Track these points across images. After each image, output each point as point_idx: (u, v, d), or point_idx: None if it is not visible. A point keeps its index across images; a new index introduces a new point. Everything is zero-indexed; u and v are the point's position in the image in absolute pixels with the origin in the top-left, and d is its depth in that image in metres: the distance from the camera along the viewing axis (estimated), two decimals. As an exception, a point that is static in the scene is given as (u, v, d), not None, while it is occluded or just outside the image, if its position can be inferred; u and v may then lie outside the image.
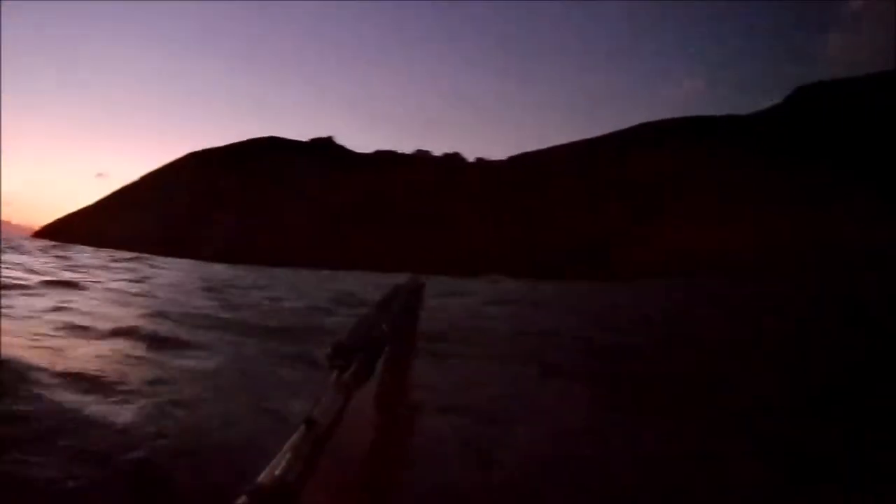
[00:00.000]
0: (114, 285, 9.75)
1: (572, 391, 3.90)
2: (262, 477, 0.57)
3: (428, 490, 2.12)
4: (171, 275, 15.28)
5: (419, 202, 39.72)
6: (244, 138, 56.44)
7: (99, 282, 9.98)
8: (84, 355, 3.86)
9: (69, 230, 44.80)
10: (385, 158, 52.81)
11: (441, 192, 40.24)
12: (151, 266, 18.26)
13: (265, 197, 44.09)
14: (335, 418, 0.71)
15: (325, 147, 54.31)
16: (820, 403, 3.83)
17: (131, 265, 17.28)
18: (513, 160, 45.94)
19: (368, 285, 14.61)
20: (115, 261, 19.12)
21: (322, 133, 64.70)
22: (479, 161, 48.94)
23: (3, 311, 5.04)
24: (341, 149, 55.22)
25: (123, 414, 2.66)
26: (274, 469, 0.59)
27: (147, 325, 5.27)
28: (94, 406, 2.78)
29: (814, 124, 30.98)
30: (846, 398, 3.97)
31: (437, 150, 54.86)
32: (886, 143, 25.82)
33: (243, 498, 0.53)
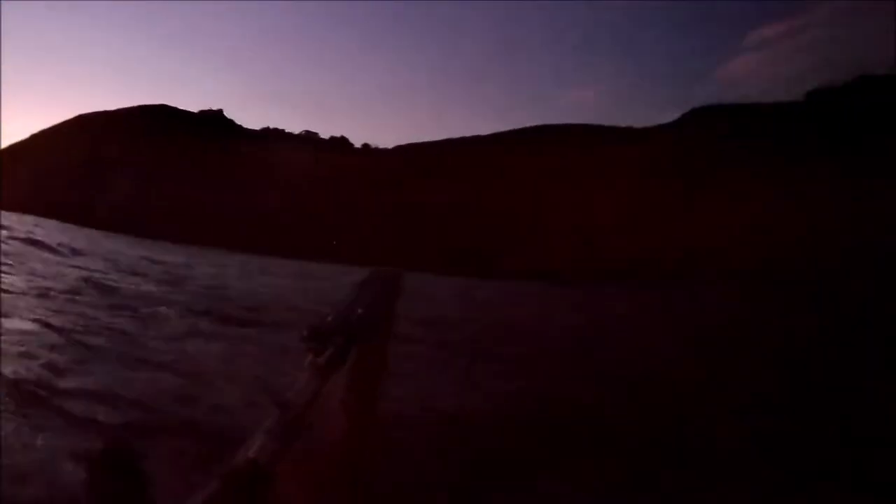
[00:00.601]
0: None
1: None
2: (237, 459, 0.56)
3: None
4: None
5: (305, 186, 39.65)
6: (133, 104, 56.52)
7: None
8: None
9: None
10: (273, 136, 53.00)
11: (327, 176, 40.23)
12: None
13: (154, 166, 43.89)
14: (309, 401, 0.70)
15: (214, 120, 54.41)
16: (817, 401, 3.81)
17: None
18: (399, 149, 46.11)
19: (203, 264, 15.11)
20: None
21: (212, 105, 65.09)
22: (365, 147, 49.21)
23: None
24: (231, 123, 55.49)
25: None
26: (247, 451, 0.58)
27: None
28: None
29: (709, 144, 31.27)
30: (842, 396, 3.95)
31: (325, 132, 54.98)
32: (774, 168, 26.52)
33: (217, 480, 0.53)
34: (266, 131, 54.02)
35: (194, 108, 55.74)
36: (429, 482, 2.49)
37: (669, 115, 47.45)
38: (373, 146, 49.46)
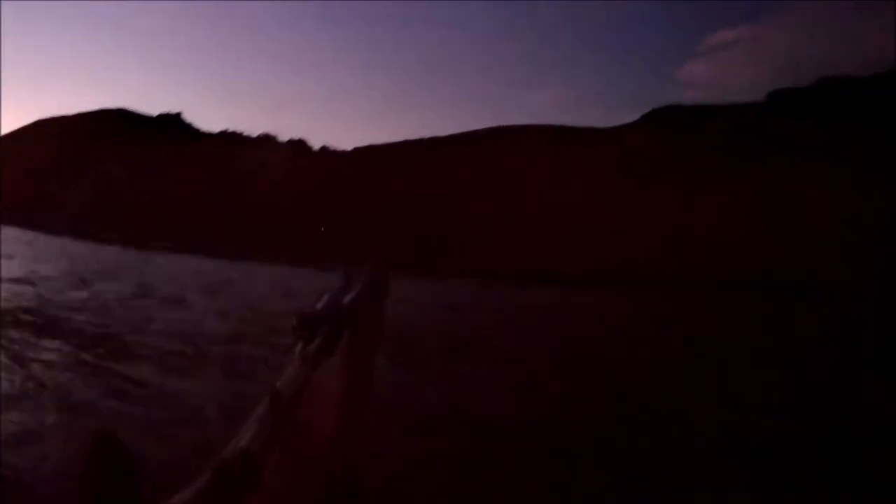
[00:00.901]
0: None
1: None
2: (227, 450, 0.56)
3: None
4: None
5: (265, 188, 39.99)
6: (92, 108, 56.83)
7: None
8: None
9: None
10: (232, 139, 53.49)
11: (287, 177, 40.52)
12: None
13: (113, 171, 44.21)
14: (299, 389, 0.70)
15: (173, 123, 54.95)
16: (817, 401, 3.80)
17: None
18: (357, 151, 46.30)
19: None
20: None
21: (170, 108, 65.11)
22: (324, 149, 49.37)
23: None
24: (189, 126, 55.96)
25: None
26: (239, 441, 0.58)
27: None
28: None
29: (670, 144, 31.46)
30: (842, 396, 3.95)
31: (284, 134, 55.18)
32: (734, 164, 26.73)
33: (208, 472, 0.52)
34: (224, 134, 54.43)
35: (153, 112, 56.02)
36: (421, 480, 2.48)
37: (629, 117, 47.31)
38: (331, 148, 49.68)
